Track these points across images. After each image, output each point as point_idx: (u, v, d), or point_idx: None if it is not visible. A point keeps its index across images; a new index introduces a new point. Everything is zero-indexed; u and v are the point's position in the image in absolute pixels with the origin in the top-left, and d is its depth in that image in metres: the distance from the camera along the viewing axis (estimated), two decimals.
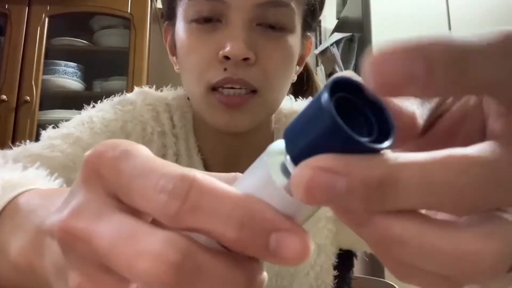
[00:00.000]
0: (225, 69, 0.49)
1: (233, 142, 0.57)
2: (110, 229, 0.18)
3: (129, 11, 2.05)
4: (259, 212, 0.18)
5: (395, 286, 0.96)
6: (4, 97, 1.88)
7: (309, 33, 0.61)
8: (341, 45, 2.19)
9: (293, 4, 0.51)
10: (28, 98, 1.90)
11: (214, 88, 0.50)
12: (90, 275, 0.19)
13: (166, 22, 0.59)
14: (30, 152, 0.52)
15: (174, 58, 0.59)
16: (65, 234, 0.19)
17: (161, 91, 0.66)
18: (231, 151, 0.58)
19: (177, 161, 0.58)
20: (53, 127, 0.57)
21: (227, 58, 0.48)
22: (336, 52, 2.17)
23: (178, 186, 0.17)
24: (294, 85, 0.65)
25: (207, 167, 0.59)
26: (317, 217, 0.57)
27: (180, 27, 0.53)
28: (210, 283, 0.18)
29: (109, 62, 2.15)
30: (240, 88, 0.50)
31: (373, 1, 2.02)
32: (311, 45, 0.62)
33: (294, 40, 0.53)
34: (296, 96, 0.67)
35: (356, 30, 2.15)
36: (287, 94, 0.62)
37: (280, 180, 0.18)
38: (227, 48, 0.47)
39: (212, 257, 0.18)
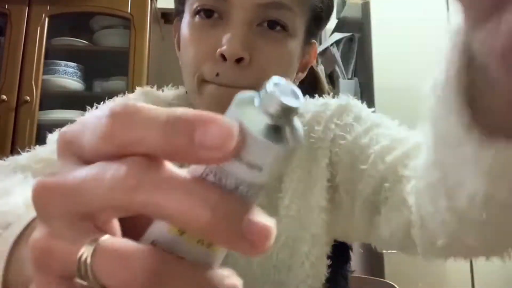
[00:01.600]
0: (217, 74, 0.49)
1: None
2: (81, 173, 0.20)
3: (129, 11, 2.05)
4: (183, 114, 0.19)
5: (395, 286, 0.96)
6: (4, 97, 1.88)
7: (314, 40, 0.60)
8: (341, 45, 2.19)
9: (295, 8, 0.50)
10: (28, 98, 1.90)
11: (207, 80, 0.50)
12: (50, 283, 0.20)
13: (176, 18, 0.59)
14: (40, 157, 0.52)
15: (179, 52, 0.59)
16: (41, 189, 0.20)
17: (162, 91, 0.67)
18: None
19: None
20: (59, 129, 0.56)
21: (223, 57, 0.48)
22: (336, 52, 2.17)
23: (114, 109, 0.20)
24: (302, 91, 0.63)
25: None
26: (310, 207, 0.56)
27: (185, 20, 0.53)
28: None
29: (109, 62, 2.15)
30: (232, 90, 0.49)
31: (373, 1, 2.02)
32: (315, 53, 0.61)
33: (294, 44, 0.52)
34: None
35: (356, 30, 2.15)
36: None
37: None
38: (224, 47, 0.47)
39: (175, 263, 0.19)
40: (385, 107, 1.90)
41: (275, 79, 0.20)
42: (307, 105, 0.62)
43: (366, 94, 1.98)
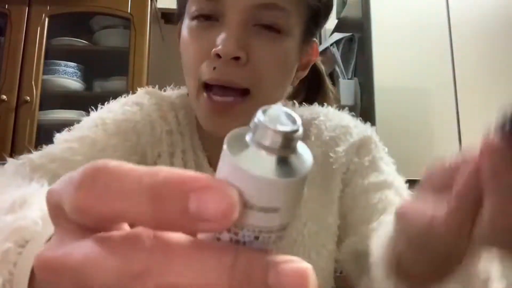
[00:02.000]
0: (214, 68, 0.49)
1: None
2: (79, 253, 0.18)
3: (129, 11, 2.05)
4: (170, 178, 0.17)
5: None
6: (4, 97, 1.88)
7: (314, 39, 0.60)
8: (341, 45, 2.19)
9: (289, 8, 0.51)
10: (28, 98, 1.90)
11: (206, 86, 0.51)
12: None
13: (179, 21, 0.60)
14: (54, 156, 0.51)
15: None
16: (43, 267, 0.19)
17: (164, 90, 0.67)
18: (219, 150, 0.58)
19: (183, 158, 0.59)
20: (68, 129, 0.56)
21: (218, 56, 0.48)
22: (336, 52, 2.17)
23: (83, 177, 0.17)
24: (306, 90, 0.69)
25: (211, 163, 0.60)
26: (328, 225, 0.59)
27: (184, 24, 0.55)
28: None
29: (109, 62, 2.15)
30: (230, 90, 0.50)
31: (373, 1, 2.02)
32: (317, 51, 0.62)
33: (291, 43, 0.53)
34: (309, 101, 0.68)
35: (356, 30, 2.15)
36: (295, 100, 0.65)
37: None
38: (219, 47, 0.48)
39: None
40: (385, 107, 1.90)
41: (264, 107, 0.18)
42: (327, 114, 0.64)
43: (366, 94, 1.98)
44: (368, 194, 0.55)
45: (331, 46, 2.17)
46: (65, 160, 0.51)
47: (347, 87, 2.10)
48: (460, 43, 2.00)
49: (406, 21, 2.02)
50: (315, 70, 0.70)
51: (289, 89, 0.63)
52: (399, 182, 0.58)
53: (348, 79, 2.13)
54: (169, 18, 2.71)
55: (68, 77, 2.06)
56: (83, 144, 0.53)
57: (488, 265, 0.30)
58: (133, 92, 0.65)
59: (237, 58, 0.48)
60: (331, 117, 0.64)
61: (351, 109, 2.44)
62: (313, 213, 0.58)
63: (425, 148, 1.88)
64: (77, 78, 2.08)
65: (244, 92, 0.50)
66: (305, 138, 0.61)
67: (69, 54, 2.11)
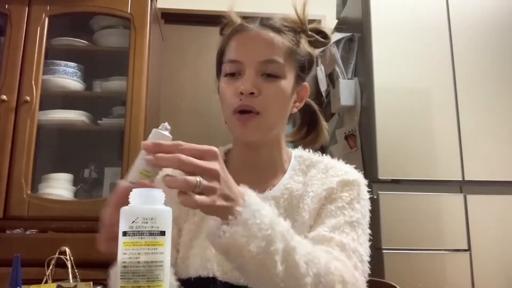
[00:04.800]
0: (240, 100, 0.80)
1: (249, 153, 0.88)
2: None
3: (129, 11, 2.05)
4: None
5: (395, 286, 0.96)
6: (4, 97, 1.88)
7: (304, 82, 0.90)
8: (341, 45, 2.19)
9: (284, 62, 0.82)
10: (28, 98, 1.90)
11: (235, 111, 0.81)
12: None
13: (217, 76, 0.91)
14: None
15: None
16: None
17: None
18: (246, 160, 0.88)
19: None
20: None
21: (241, 93, 0.80)
22: (336, 52, 2.17)
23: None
24: (306, 126, 0.98)
25: (228, 168, 0.77)
26: (319, 222, 0.83)
27: (222, 78, 0.86)
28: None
29: (109, 62, 2.15)
30: (249, 112, 0.80)
31: (373, 1, 2.02)
32: (308, 90, 0.91)
33: (286, 83, 0.83)
34: (308, 131, 0.98)
35: (356, 30, 2.15)
36: (298, 144, 0.97)
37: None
38: (241, 87, 0.80)
39: None
40: (385, 107, 1.90)
41: (163, 125, 0.62)
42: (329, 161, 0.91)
43: (366, 94, 1.98)
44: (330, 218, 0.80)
45: (331, 46, 2.17)
46: None
47: (347, 87, 2.10)
48: (460, 43, 2.00)
49: (406, 21, 2.02)
50: (310, 109, 0.97)
51: (289, 113, 0.89)
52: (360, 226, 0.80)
53: (348, 79, 2.13)
54: (169, 18, 2.72)
55: (68, 77, 2.06)
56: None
57: None
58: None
59: (252, 93, 0.79)
60: (302, 153, 0.93)
61: (351, 109, 2.44)
62: (311, 213, 0.83)
63: (425, 148, 1.88)
64: (77, 78, 2.08)
65: (258, 113, 0.80)
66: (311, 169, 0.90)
67: (69, 54, 2.11)
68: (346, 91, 2.09)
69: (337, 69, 2.15)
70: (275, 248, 0.59)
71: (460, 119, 1.92)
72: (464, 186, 1.87)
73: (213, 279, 0.75)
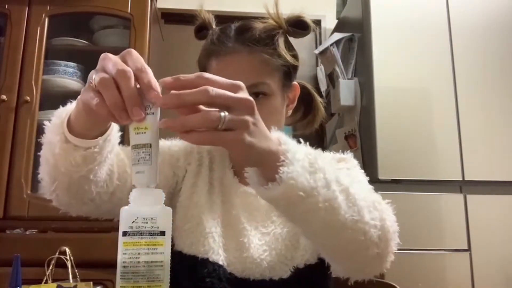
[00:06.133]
0: None
1: None
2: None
3: (129, 11, 2.05)
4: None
5: (395, 286, 0.96)
6: (4, 97, 1.88)
7: (292, 83, 0.90)
8: (341, 45, 2.19)
9: (269, 81, 0.83)
10: (28, 98, 1.90)
11: None
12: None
13: None
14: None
15: None
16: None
17: None
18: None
19: (210, 161, 0.91)
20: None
21: None
22: (336, 52, 2.17)
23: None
24: (303, 109, 0.99)
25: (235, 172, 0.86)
26: None
27: None
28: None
29: None
30: None
31: (373, 1, 2.02)
32: (297, 88, 0.92)
33: (275, 99, 0.84)
34: (305, 115, 0.99)
35: (356, 30, 2.15)
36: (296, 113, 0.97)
37: None
38: None
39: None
40: (385, 107, 1.90)
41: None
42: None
43: (366, 94, 1.98)
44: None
45: (331, 46, 2.17)
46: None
47: (347, 87, 2.10)
48: (460, 43, 2.00)
49: (406, 21, 2.02)
50: (304, 91, 0.96)
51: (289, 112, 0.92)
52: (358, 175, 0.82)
53: (348, 79, 2.13)
54: (169, 18, 2.72)
55: (68, 77, 2.05)
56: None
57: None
58: None
59: None
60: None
61: (351, 109, 2.45)
62: None
63: (425, 148, 1.88)
64: (77, 78, 2.08)
65: None
66: None
67: (69, 54, 2.11)
68: (346, 91, 2.09)
69: (337, 69, 2.15)
70: (334, 188, 0.56)
71: (460, 119, 1.92)
72: (464, 186, 1.87)
73: (204, 261, 0.76)
